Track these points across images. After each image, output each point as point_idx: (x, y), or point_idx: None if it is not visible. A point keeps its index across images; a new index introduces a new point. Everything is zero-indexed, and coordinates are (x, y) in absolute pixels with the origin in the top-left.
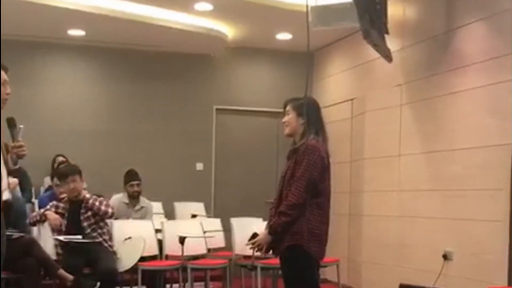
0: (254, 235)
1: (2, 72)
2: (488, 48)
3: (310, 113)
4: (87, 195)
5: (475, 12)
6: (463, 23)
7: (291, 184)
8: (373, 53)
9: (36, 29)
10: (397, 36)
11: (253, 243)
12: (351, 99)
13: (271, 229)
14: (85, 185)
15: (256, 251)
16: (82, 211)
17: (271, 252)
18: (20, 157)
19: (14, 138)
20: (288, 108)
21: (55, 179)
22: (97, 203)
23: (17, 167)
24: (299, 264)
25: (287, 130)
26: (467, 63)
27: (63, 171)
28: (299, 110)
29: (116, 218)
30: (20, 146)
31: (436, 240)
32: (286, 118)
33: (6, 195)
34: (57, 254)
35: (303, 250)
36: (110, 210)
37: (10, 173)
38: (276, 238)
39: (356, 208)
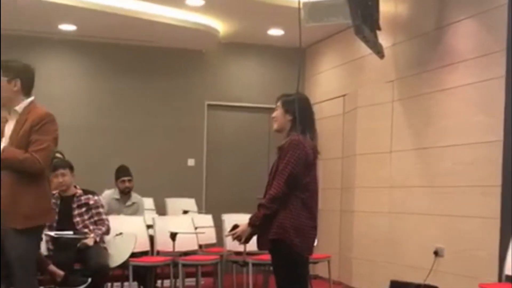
0: (235, 226)
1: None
2: (479, 45)
3: (299, 111)
4: (90, 239)
5: (466, 8)
6: (455, 20)
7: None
8: (364, 49)
9: (27, 24)
10: (388, 32)
11: (232, 234)
12: (343, 95)
13: (250, 221)
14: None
15: (239, 243)
16: (74, 206)
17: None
18: None
19: None
20: (278, 103)
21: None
22: (99, 232)
23: None
24: (283, 258)
25: (275, 126)
26: (458, 59)
27: (53, 164)
28: (287, 106)
29: (107, 214)
30: None
31: (427, 237)
32: (274, 114)
33: None
34: (48, 249)
35: (286, 244)
36: (109, 233)
37: None
38: (260, 232)
39: (347, 204)
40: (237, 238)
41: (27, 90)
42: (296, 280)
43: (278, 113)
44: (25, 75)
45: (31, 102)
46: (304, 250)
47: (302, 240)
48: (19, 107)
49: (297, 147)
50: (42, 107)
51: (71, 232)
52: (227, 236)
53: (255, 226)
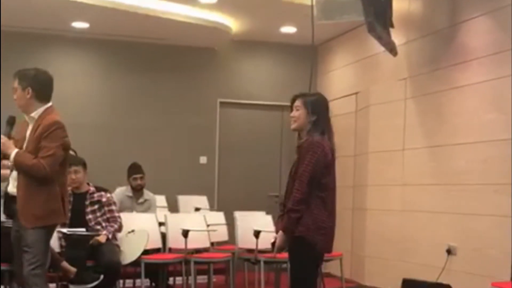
0: (273, 243)
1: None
2: (492, 43)
3: (321, 112)
4: (103, 237)
5: (480, 6)
6: (468, 18)
7: (295, 180)
8: (377, 47)
9: (39, 21)
10: (401, 30)
11: (276, 251)
12: (355, 93)
13: (286, 229)
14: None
15: (282, 252)
16: (87, 203)
17: None
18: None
19: (8, 135)
20: (298, 103)
21: None
22: (111, 229)
23: None
24: (303, 256)
25: (294, 125)
26: (471, 57)
27: None
28: (311, 107)
29: (119, 211)
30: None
31: (439, 235)
32: (295, 113)
33: (10, 188)
34: (61, 246)
35: (307, 242)
36: (121, 230)
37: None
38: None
39: (359, 202)
40: (280, 249)
41: (41, 96)
42: (311, 278)
43: (300, 113)
44: (36, 83)
45: (46, 109)
46: (324, 248)
47: (323, 239)
48: (35, 114)
49: (317, 148)
50: (54, 113)
51: (83, 229)
52: (275, 253)
53: (290, 231)
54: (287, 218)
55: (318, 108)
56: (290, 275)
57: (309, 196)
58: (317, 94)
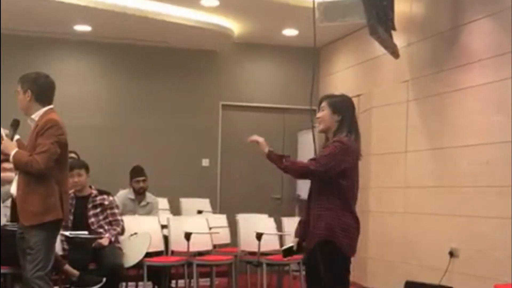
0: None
1: None
2: (494, 45)
3: (345, 111)
4: (105, 239)
5: (482, 8)
6: (470, 20)
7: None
8: (379, 49)
9: (42, 24)
10: (403, 32)
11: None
12: (358, 95)
13: (270, 154)
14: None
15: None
16: (89, 206)
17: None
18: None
19: (12, 137)
20: (323, 104)
21: None
22: (114, 232)
23: None
24: (330, 259)
25: (321, 126)
26: (474, 59)
27: (69, 164)
28: (335, 107)
29: (122, 214)
30: None
31: (442, 237)
32: (320, 114)
33: (13, 189)
34: (63, 249)
35: (334, 245)
36: (123, 233)
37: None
38: (308, 230)
39: (362, 204)
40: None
41: (41, 99)
42: (343, 282)
43: (325, 113)
44: (36, 86)
45: (46, 111)
46: (349, 250)
47: (349, 241)
48: (35, 115)
49: (342, 145)
50: (53, 114)
51: (86, 232)
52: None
53: (268, 158)
54: (282, 159)
55: (342, 108)
56: (315, 280)
57: (332, 199)
58: (342, 95)
